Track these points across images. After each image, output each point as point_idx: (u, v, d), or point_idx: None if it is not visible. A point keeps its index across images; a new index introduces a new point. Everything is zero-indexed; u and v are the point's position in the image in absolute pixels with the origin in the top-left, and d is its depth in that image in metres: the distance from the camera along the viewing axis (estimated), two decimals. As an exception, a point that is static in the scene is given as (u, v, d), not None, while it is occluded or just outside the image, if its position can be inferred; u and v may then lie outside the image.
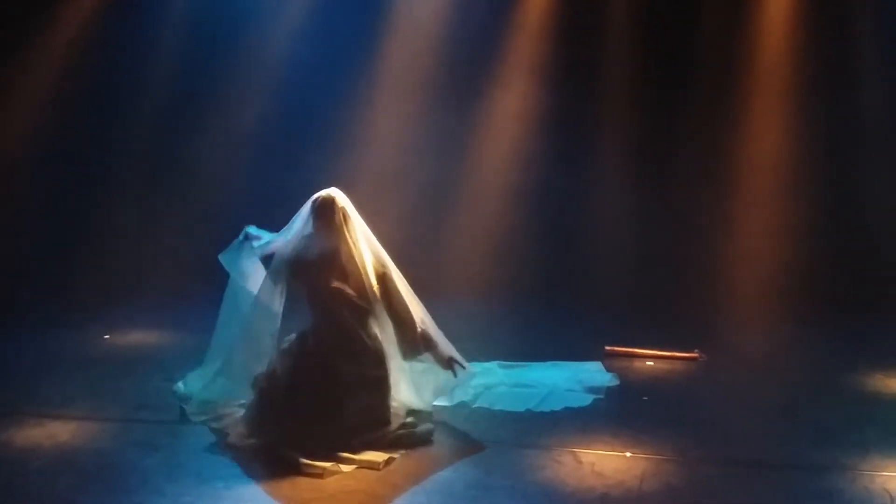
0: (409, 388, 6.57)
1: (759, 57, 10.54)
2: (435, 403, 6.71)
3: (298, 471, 5.88)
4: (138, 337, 8.72)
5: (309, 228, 6.35)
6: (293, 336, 6.42)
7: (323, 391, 6.17)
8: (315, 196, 6.38)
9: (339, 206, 6.32)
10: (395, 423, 6.34)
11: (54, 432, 6.42)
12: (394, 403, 6.42)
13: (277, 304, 6.44)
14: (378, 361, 6.35)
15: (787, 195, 10.51)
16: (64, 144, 10.67)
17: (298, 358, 6.26)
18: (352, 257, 6.28)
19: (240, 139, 10.65)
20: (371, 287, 6.29)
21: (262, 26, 10.76)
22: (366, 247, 6.38)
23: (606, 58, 10.65)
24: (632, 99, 10.59)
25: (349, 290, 6.25)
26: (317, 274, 6.29)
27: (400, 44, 10.75)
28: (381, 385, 6.34)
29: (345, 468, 5.93)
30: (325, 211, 6.31)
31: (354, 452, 6.05)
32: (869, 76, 10.33)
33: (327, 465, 5.91)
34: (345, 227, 6.31)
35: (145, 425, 6.57)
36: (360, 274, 6.27)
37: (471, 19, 10.72)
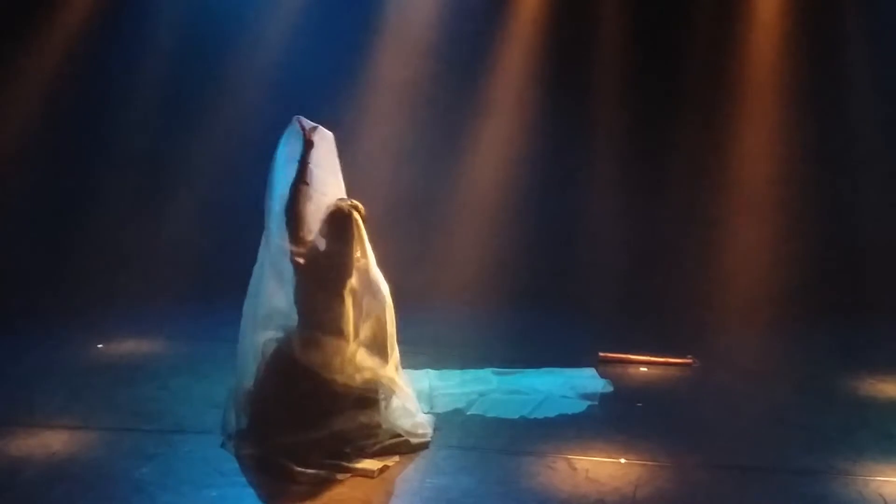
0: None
1: (751, 60, 10.57)
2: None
3: (293, 479, 5.86)
4: (132, 345, 8.70)
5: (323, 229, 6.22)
6: (280, 336, 6.31)
7: (311, 405, 6.14)
8: (337, 202, 6.26)
9: (355, 221, 6.21)
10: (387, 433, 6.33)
11: (47, 442, 6.40)
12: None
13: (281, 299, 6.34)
14: (367, 377, 6.32)
15: (779, 200, 10.54)
16: (57, 151, 10.67)
17: (285, 371, 6.22)
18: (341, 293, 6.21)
19: (234, 147, 10.63)
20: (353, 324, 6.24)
21: (256, 30, 10.77)
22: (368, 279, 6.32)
23: (599, 63, 10.68)
24: (624, 104, 10.61)
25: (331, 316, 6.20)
26: (314, 280, 6.24)
27: (394, 49, 10.76)
28: (370, 399, 6.31)
29: (339, 476, 5.92)
30: (339, 224, 6.20)
31: (348, 460, 6.04)
32: (861, 77, 10.37)
33: (321, 473, 5.90)
34: (355, 245, 6.23)
35: (139, 434, 6.55)
36: (344, 310, 6.20)
37: (464, 25, 10.73)
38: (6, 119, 10.50)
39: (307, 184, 6.18)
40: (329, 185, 6.38)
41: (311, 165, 6.22)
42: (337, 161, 6.48)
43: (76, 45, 10.60)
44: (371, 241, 6.41)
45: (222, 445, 6.29)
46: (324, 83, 10.62)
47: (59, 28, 10.57)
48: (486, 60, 10.81)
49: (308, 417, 6.12)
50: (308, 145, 6.24)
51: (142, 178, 10.86)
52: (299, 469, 5.90)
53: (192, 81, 10.76)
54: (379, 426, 6.30)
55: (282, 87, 10.66)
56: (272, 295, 6.33)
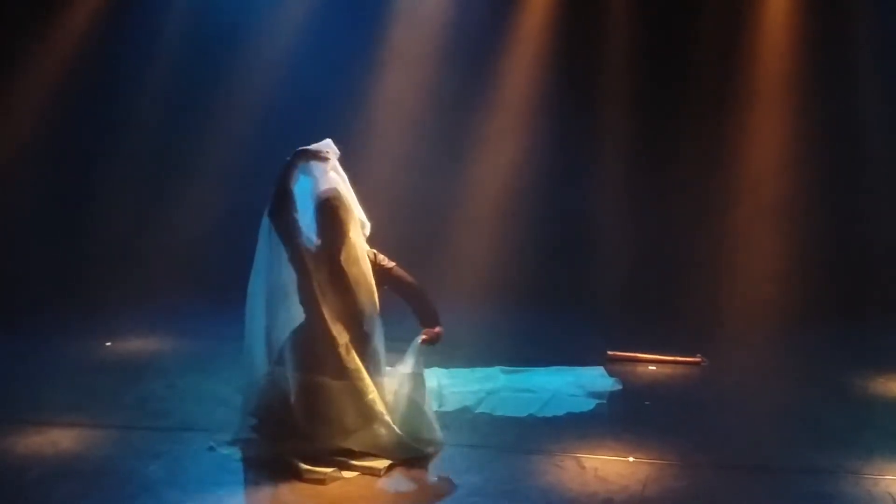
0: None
1: (759, 60, 10.53)
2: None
3: (299, 477, 5.86)
4: (140, 343, 8.71)
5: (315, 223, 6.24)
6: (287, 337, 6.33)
7: (317, 403, 6.15)
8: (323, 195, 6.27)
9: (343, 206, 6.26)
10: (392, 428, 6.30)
11: (55, 439, 6.41)
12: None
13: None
14: (368, 370, 6.32)
15: (787, 199, 10.51)
16: (63, 149, 10.69)
17: (289, 373, 6.24)
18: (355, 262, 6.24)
19: (239, 144, 10.64)
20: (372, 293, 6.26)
21: (264, 30, 10.78)
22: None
23: (606, 62, 10.65)
24: (631, 103, 10.59)
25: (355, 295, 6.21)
26: (317, 270, 6.25)
27: (400, 50, 10.76)
28: (371, 392, 6.30)
29: (346, 474, 5.91)
30: (328, 214, 6.24)
31: (356, 458, 6.03)
32: (870, 77, 10.33)
33: (328, 470, 5.89)
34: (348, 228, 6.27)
35: (146, 432, 6.56)
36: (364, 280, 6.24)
37: (471, 27, 10.73)
38: (12, 117, 10.52)
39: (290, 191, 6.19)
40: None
41: (335, 178, 6.26)
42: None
43: (83, 43, 10.62)
44: (378, 239, 6.44)
45: (210, 449, 6.26)
46: (331, 83, 10.64)
47: (66, 27, 10.59)
48: (493, 62, 10.79)
49: (312, 420, 6.13)
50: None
51: (150, 175, 10.87)
52: (305, 467, 5.90)
53: (200, 81, 10.77)
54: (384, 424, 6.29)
55: (290, 86, 10.68)
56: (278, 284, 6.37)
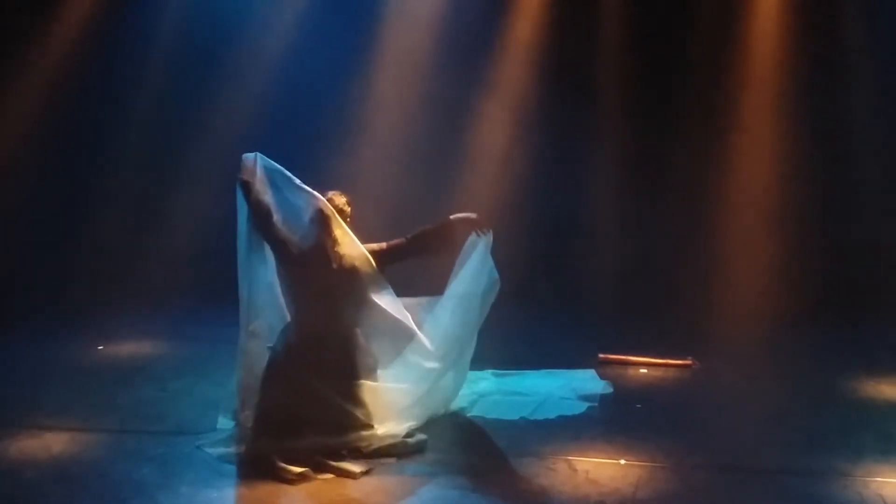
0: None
1: (751, 65, 10.57)
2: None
3: (277, 476, 5.86)
4: (132, 347, 8.71)
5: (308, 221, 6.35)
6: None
7: (301, 401, 6.19)
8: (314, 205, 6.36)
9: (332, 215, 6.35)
10: (381, 430, 6.32)
11: (48, 443, 6.41)
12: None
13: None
14: (357, 370, 6.37)
15: (780, 201, 10.54)
16: (56, 152, 10.67)
17: (277, 370, 6.27)
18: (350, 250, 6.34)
19: (237, 148, 10.60)
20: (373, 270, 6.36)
21: (261, 32, 10.79)
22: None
23: (599, 67, 10.68)
24: (624, 107, 10.62)
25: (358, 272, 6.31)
26: (313, 265, 6.28)
27: (395, 53, 10.78)
28: (360, 393, 6.35)
29: (320, 476, 5.92)
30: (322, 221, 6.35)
31: (336, 460, 6.04)
32: (862, 77, 10.36)
33: (300, 470, 5.89)
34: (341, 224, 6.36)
35: (139, 435, 6.57)
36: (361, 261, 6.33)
37: (465, 29, 10.75)
38: (8, 119, 10.51)
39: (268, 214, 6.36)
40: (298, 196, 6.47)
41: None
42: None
43: (81, 44, 10.61)
44: (374, 240, 6.50)
45: (198, 449, 6.29)
46: (326, 82, 10.65)
47: (64, 27, 10.58)
48: (486, 67, 10.81)
49: (295, 418, 6.17)
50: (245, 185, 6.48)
51: (144, 179, 10.87)
52: (281, 465, 5.92)
53: (197, 82, 10.77)
54: (370, 423, 6.32)
55: (288, 87, 10.69)
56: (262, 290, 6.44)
